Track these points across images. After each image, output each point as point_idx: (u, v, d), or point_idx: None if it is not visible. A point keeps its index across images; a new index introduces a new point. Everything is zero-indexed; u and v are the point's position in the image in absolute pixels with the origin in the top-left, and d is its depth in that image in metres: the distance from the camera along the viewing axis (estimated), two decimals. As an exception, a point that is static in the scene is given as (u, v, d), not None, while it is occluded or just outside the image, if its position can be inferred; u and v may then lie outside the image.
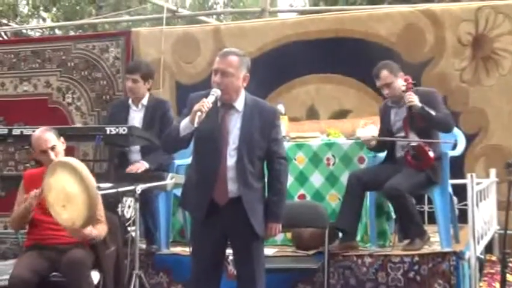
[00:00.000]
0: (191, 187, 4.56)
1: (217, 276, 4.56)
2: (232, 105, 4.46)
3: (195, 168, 4.55)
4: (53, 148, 5.12)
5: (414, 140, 5.73)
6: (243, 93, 4.51)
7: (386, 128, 6.04)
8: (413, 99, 5.67)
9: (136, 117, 6.33)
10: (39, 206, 4.97)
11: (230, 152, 4.40)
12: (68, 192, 4.62)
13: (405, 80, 5.84)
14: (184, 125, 4.35)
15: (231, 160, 4.40)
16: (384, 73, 5.90)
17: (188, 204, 4.65)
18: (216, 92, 4.35)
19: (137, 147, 6.24)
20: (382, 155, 6.09)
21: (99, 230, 5.00)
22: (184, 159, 5.98)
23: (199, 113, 4.22)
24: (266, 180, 4.57)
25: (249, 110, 4.48)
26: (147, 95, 6.36)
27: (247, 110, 4.48)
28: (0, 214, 8.23)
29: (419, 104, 5.65)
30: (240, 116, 4.47)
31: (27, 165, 8.33)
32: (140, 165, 6.03)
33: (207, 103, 4.26)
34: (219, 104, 4.45)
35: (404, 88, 5.79)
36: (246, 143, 4.41)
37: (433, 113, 5.64)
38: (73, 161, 4.76)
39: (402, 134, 5.85)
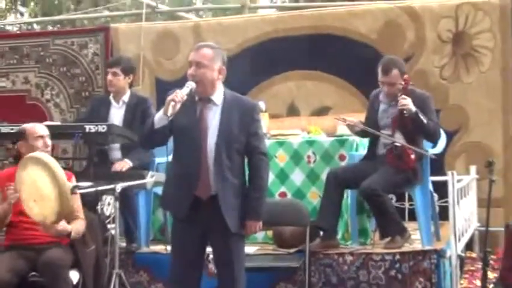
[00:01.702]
0: (171, 185, 4.52)
1: (197, 275, 4.50)
2: (209, 98, 4.41)
3: (175, 166, 4.50)
4: (47, 137, 5.18)
5: (397, 140, 5.65)
6: (220, 87, 4.47)
7: (372, 119, 5.95)
8: (407, 103, 5.53)
9: (117, 114, 6.28)
10: (15, 206, 4.92)
11: (210, 146, 4.36)
12: (39, 187, 4.61)
13: (404, 80, 5.69)
14: (158, 116, 4.31)
15: (211, 155, 4.35)
16: (395, 73, 5.72)
17: (169, 203, 4.60)
18: (190, 85, 4.32)
19: (117, 145, 6.21)
20: (363, 153, 6.07)
21: (77, 226, 4.97)
22: (164, 157, 5.94)
23: (172, 103, 4.19)
24: (247, 177, 4.54)
25: (228, 105, 4.43)
26: (128, 92, 6.32)
27: (225, 104, 4.43)
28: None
29: (413, 109, 5.53)
30: (219, 110, 4.42)
31: (6, 162, 8.26)
32: (124, 164, 6.00)
33: (180, 93, 4.24)
34: (196, 98, 4.41)
35: (400, 87, 5.66)
36: (224, 137, 4.36)
37: (425, 120, 5.56)
38: (44, 156, 4.75)
39: (388, 132, 5.78)
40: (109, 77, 6.27)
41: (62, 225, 4.81)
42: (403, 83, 5.67)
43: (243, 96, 4.66)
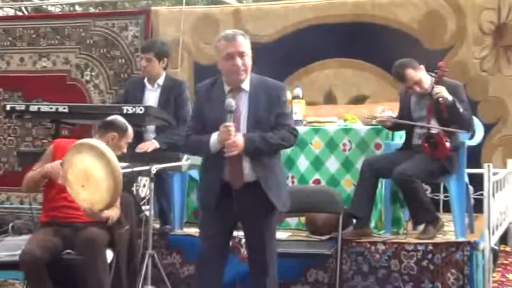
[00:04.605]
0: (205, 176, 4.56)
1: (223, 257, 4.49)
2: (240, 87, 4.41)
3: (210, 156, 4.45)
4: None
5: (432, 126, 5.65)
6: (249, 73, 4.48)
7: (406, 113, 5.95)
8: (440, 91, 5.54)
9: (152, 96, 6.30)
10: (57, 184, 4.97)
11: (242, 133, 4.35)
12: (91, 174, 4.56)
13: (439, 67, 5.71)
14: (214, 143, 4.30)
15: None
16: (410, 72, 5.75)
17: (202, 195, 4.63)
18: (231, 107, 4.26)
19: (152, 127, 6.23)
20: (399, 141, 6.05)
21: (114, 213, 5.01)
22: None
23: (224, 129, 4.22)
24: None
25: (254, 89, 4.42)
26: (163, 74, 6.34)
27: (252, 89, 4.42)
28: (16, 189, 8.28)
29: (450, 97, 5.53)
30: (247, 96, 4.42)
31: (45, 140, 8.36)
32: (149, 144, 6.02)
33: (232, 126, 4.22)
34: (226, 90, 4.41)
35: (434, 75, 5.70)
36: (254, 122, 4.36)
37: (461, 109, 5.56)
38: (101, 145, 4.68)
39: (423, 123, 5.76)
40: (143, 63, 6.28)
41: (106, 212, 4.86)
42: (436, 71, 5.68)
43: (269, 79, 4.58)
